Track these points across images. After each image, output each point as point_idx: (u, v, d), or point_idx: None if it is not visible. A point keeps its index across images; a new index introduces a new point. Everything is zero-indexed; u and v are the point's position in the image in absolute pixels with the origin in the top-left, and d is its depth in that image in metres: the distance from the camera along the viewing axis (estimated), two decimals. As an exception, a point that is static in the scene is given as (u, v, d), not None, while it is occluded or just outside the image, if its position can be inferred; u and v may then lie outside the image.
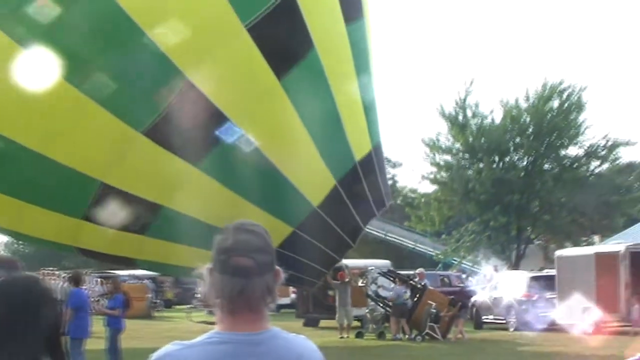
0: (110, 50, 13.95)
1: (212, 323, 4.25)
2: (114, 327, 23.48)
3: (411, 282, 40.02)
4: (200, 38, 13.91)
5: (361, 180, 15.97)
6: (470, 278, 61.59)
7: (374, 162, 16.26)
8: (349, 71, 14.99)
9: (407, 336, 37.59)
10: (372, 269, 42.81)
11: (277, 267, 4.06)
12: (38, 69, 14.16)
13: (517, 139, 69.00)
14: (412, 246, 71.91)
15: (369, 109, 15.70)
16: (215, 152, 14.10)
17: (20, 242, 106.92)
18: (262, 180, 14.17)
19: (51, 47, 13.99)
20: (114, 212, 14.48)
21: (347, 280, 38.56)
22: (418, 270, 43.85)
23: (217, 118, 13.74)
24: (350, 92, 15.15)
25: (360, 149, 15.30)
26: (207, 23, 13.79)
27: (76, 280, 22.74)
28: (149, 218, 14.43)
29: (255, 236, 4.06)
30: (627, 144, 70.04)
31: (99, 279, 52.76)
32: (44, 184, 14.92)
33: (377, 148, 16.06)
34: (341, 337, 37.87)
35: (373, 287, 40.90)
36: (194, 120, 13.80)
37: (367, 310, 40.57)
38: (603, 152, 69.54)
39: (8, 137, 14.42)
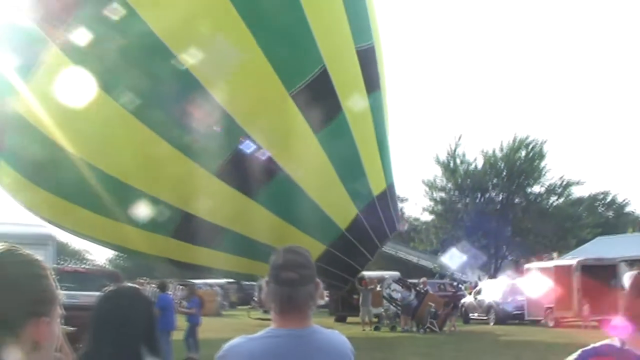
0: (187, 114, 13.86)
1: (267, 319, 4.40)
2: (193, 322, 23.57)
3: (416, 288, 40.21)
4: (257, 104, 13.85)
5: (378, 211, 15.82)
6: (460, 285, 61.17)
7: (387, 197, 16.15)
8: (369, 128, 14.92)
9: (413, 329, 37.69)
10: (387, 278, 43.04)
11: (317, 280, 4.19)
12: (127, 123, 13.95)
13: (494, 180, 69.46)
14: (416, 261, 71.53)
15: (384, 157, 15.60)
16: (267, 188, 14.03)
17: (121, 257, 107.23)
18: (304, 210, 14.10)
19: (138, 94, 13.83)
20: (193, 233, 14.45)
21: (370, 287, 38.54)
22: (422, 279, 43.87)
23: (269, 163, 13.69)
24: (370, 143, 15.08)
25: (377, 187, 15.22)
26: (262, 91, 13.73)
27: (162, 287, 22.94)
28: (220, 237, 14.39)
29: (299, 256, 4.20)
30: (577, 183, 71.55)
31: (180, 286, 52.79)
32: (145, 213, 14.85)
33: (390, 186, 15.97)
34: (363, 330, 37.69)
35: (387, 291, 41.07)
36: (252, 164, 13.75)
37: (383, 310, 40.78)
38: (559, 190, 70.13)
39: (116, 176, 14.29)
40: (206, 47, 13.57)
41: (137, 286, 5.32)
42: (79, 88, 13.85)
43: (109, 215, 15.09)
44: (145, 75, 13.78)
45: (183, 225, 14.24)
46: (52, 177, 14.88)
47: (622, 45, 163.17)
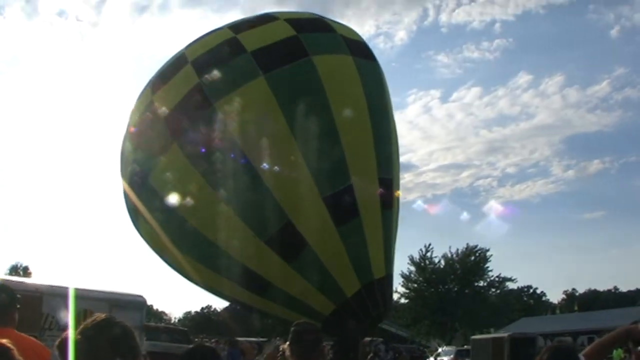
0: (256, 205, 14.14)
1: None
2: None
3: (395, 350, 40.32)
4: (297, 201, 14.10)
5: (375, 289, 15.43)
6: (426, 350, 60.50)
7: (384, 282, 15.70)
8: (378, 233, 14.82)
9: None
10: (375, 340, 42.65)
11: (323, 344, 4.65)
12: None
13: (452, 276, 68.95)
14: (395, 330, 70.68)
15: (388, 254, 15.30)
16: (298, 258, 14.09)
17: (187, 317, 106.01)
18: (321, 278, 14.08)
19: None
20: (241, 278, 14.49)
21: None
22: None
23: (301, 240, 13.86)
24: (377, 242, 14.92)
25: (378, 273, 14.95)
26: (303, 193, 14.00)
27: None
28: (266, 289, 14.44)
29: (312, 327, 4.60)
30: (510, 279, 70.67)
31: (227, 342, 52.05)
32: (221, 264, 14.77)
33: (388, 275, 15.60)
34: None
35: (375, 350, 40.64)
36: (290, 239, 13.90)
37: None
38: (497, 284, 69.67)
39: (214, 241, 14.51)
40: (272, 159, 14.02)
41: (209, 345, 5.35)
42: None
43: (199, 260, 15.20)
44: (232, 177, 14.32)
45: (243, 277, 14.35)
46: (174, 235, 15.17)
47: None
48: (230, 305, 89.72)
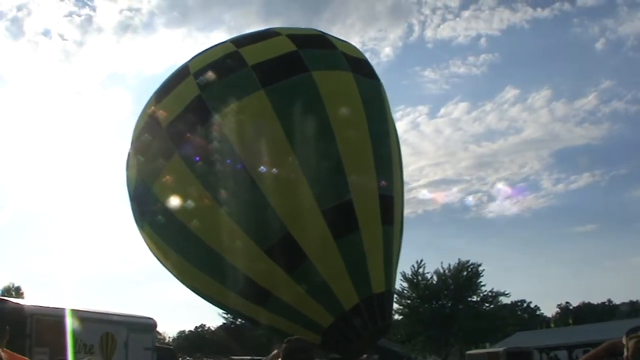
0: (257, 214, 14.25)
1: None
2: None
3: None
4: (295, 211, 14.21)
5: (374, 303, 15.38)
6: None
7: (384, 297, 15.65)
8: (378, 247, 14.80)
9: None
10: (370, 356, 42.60)
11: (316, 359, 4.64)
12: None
13: (445, 292, 69.00)
14: (388, 346, 70.56)
15: (388, 269, 15.24)
16: (297, 269, 14.14)
17: (181, 336, 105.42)
18: (320, 290, 14.10)
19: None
20: (242, 287, 14.51)
21: None
22: None
23: (300, 252, 13.89)
24: (377, 256, 14.88)
25: (377, 288, 14.94)
26: (302, 205, 14.08)
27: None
28: (267, 299, 14.48)
29: (305, 343, 4.59)
30: (503, 294, 70.57)
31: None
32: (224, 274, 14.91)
33: (388, 291, 15.56)
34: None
35: (371, 366, 40.68)
36: (289, 250, 13.99)
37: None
38: (490, 299, 69.67)
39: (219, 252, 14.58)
40: (272, 170, 14.16)
41: None
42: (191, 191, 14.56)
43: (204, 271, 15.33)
44: (231, 188, 14.42)
45: (246, 285, 14.43)
46: (177, 243, 15.32)
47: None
48: (224, 323, 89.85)
